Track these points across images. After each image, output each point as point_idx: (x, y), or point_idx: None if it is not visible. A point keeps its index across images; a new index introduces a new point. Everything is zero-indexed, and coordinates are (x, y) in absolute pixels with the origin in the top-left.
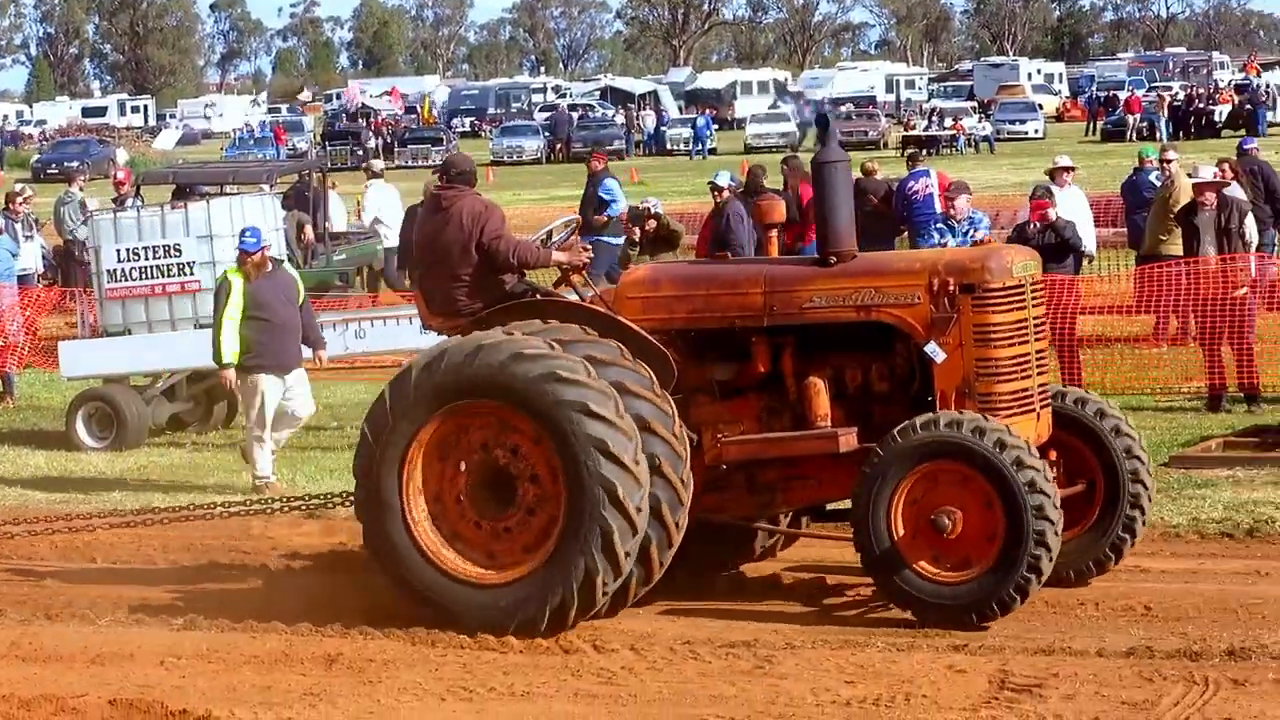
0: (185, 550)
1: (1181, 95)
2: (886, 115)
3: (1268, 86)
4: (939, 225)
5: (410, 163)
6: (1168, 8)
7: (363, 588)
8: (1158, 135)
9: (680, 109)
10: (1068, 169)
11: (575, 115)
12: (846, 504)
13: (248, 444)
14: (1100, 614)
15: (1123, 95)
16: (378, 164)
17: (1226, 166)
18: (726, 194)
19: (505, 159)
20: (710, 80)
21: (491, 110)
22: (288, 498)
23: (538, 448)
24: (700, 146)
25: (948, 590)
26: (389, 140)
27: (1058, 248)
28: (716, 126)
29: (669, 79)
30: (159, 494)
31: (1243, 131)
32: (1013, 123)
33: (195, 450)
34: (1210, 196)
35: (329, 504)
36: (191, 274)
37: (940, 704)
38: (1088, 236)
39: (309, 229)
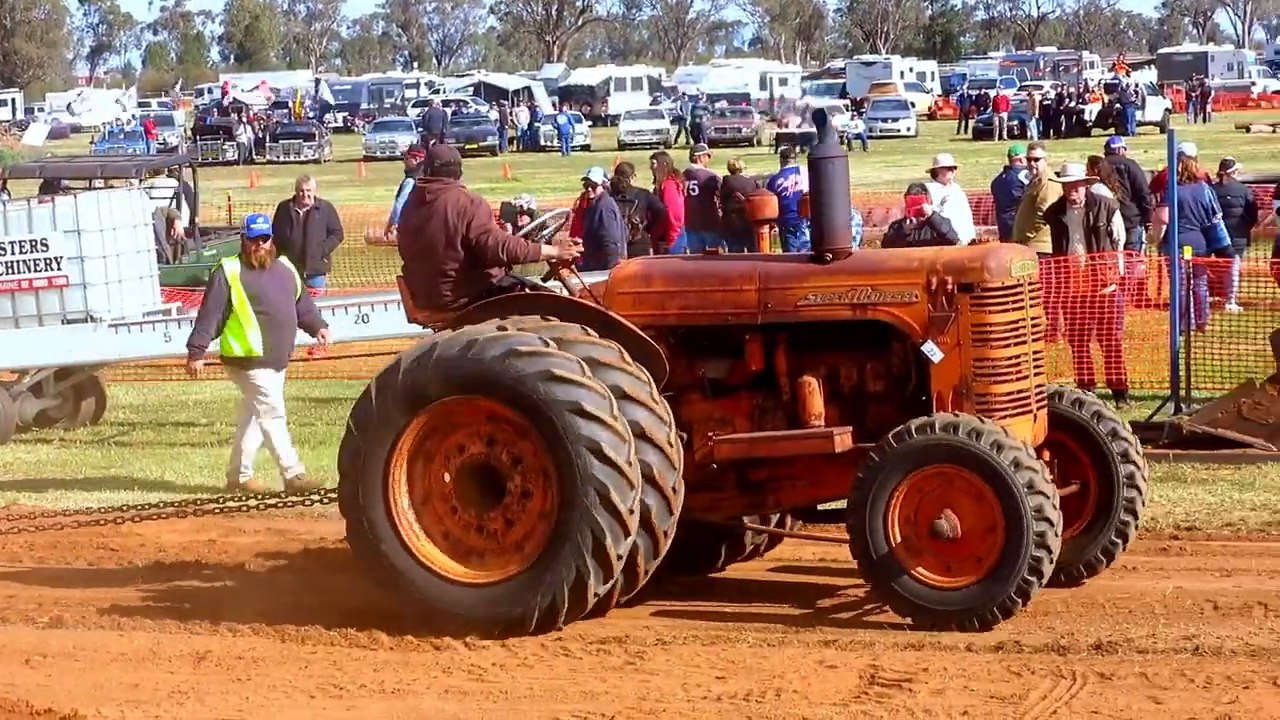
0: (51, 548)
1: (1052, 94)
2: (760, 112)
3: (1137, 86)
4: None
5: (282, 158)
6: (1039, 7)
7: (231, 585)
8: (1028, 134)
9: (554, 105)
10: (950, 168)
11: (449, 111)
12: (836, 504)
13: (248, 431)
14: None
15: (993, 94)
16: None
17: (1093, 164)
18: (600, 190)
19: (378, 154)
20: (584, 76)
21: (364, 105)
22: (261, 495)
23: (530, 446)
24: (567, 143)
25: (950, 595)
26: (261, 135)
27: (934, 244)
28: (590, 123)
29: (543, 75)
30: (26, 492)
31: (1112, 130)
32: (885, 121)
33: (63, 447)
34: (1079, 195)
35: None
36: (59, 269)
37: (811, 699)
38: (967, 233)
39: (179, 223)
